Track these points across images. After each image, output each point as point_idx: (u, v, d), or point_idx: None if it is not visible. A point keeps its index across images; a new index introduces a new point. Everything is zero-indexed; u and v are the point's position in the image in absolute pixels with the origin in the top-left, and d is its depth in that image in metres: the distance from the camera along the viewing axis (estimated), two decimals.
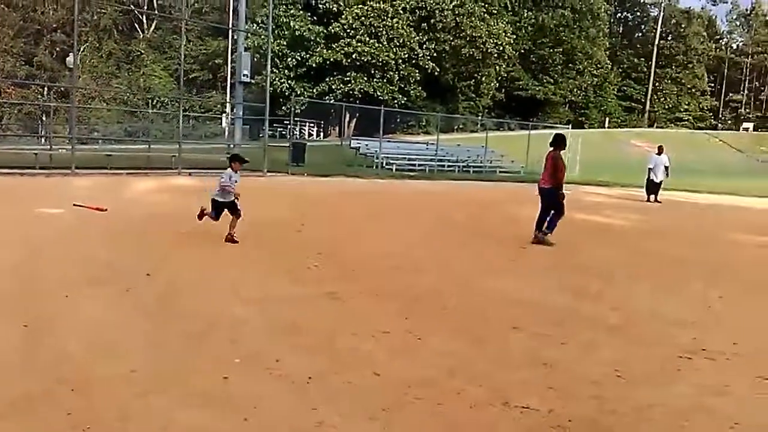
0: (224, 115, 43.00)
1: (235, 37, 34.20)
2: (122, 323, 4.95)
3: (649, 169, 20.84)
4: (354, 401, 3.64)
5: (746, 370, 4.62)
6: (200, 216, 8.59)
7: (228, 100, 41.87)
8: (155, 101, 51.05)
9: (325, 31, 45.41)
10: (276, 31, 42.05)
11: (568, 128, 39.95)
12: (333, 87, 45.72)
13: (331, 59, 44.96)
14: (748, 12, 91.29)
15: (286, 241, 9.14)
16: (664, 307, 6.48)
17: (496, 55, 51.48)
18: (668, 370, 4.55)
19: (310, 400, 3.60)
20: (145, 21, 65.12)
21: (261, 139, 25.78)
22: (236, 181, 8.44)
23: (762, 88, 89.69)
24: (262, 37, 37.90)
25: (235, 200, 8.37)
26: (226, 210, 8.44)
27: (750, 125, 75.72)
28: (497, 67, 54.82)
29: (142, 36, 64.72)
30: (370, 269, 7.56)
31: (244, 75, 24.34)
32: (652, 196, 20.45)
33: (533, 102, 64.98)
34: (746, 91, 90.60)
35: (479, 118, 53.50)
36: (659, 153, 20.98)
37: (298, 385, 3.83)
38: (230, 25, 41.84)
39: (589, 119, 70.68)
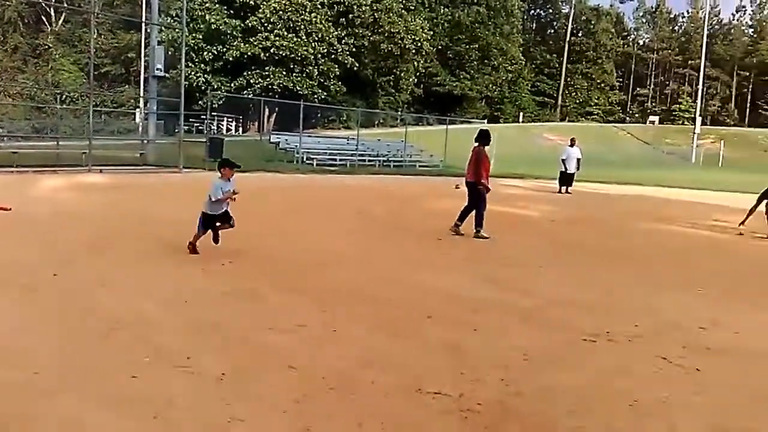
0: (138, 110, 41.68)
1: (149, 31, 33.14)
2: (26, 325, 4.77)
3: (562, 160, 21.58)
4: (267, 395, 3.64)
5: (646, 350, 4.89)
6: (193, 249, 7.55)
7: (141, 94, 40.60)
8: (64, 96, 48.92)
9: (242, 24, 44.68)
10: (191, 25, 41.08)
11: (484, 123, 40.82)
12: (251, 81, 45.09)
13: (249, 53, 44.30)
14: (653, 9, 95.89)
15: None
16: (571, 293, 6.76)
17: (414, 51, 52.03)
18: (573, 352, 4.77)
19: (222, 396, 3.58)
20: (53, 13, 62.27)
21: (176, 135, 25.14)
22: (230, 190, 7.40)
23: (667, 83, 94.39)
24: (177, 30, 36.90)
25: (227, 209, 7.54)
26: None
27: (656, 118, 79.52)
28: (415, 63, 55.40)
29: (49, 29, 61.86)
30: (288, 264, 7.53)
31: (157, 69, 23.67)
32: (564, 188, 21.17)
33: (451, 97, 66.12)
34: (652, 86, 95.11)
35: (399, 113, 54.03)
36: (571, 145, 21.76)
37: (211, 382, 3.79)
38: (143, 18, 40.55)
39: (504, 114, 72.51)
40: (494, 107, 72.32)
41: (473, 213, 10.42)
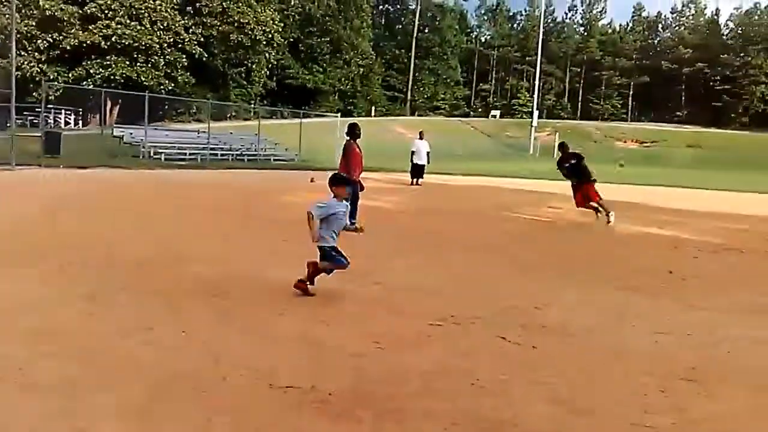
0: None
1: None
2: None
3: (412, 152, 22.26)
4: (111, 402, 3.48)
5: (487, 331, 5.19)
6: (304, 288, 6.06)
7: None
8: None
9: (80, 11, 41.87)
10: (23, 10, 37.95)
11: (338, 117, 41.12)
12: (91, 71, 42.45)
13: (89, 42, 41.66)
14: (494, 7, 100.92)
15: (36, 241, 8.35)
16: (420, 280, 7.03)
17: (265, 43, 51.38)
18: (421, 337, 4.97)
19: (60, 405, 3.38)
20: None
21: (8, 129, 23.12)
22: (344, 212, 6.35)
23: (507, 79, 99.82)
24: (6, 16, 33.86)
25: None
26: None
27: (497, 113, 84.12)
28: (267, 55, 54.73)
29: None
30: (134, 265, 7.19)
31: None
32: (415, 180, 21.86)
33: (305, 91, 66.04)
34: (493, 82, 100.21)
35: (252, 105, 53.10)
36: (420, 138, 22.51)
37: (47, 392, 3.57)
38: None
39: (357, 108, 73.48)
40: (347, 101, 73.06)
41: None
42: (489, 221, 13.42)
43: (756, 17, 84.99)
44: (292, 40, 64.35)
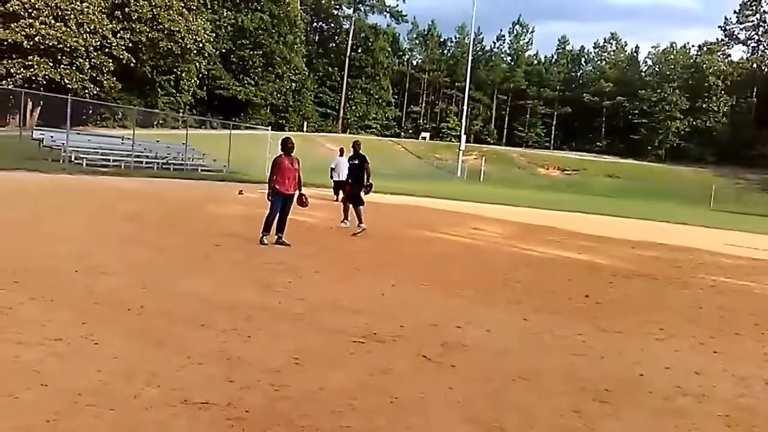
0: None
1: None
2: None
3: (331, 169, 21.99)
4: (13, 417, 3.30)
5: (408, 349, 5.21)
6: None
7: None
8: None
9: (2, 8, 40.04)
10: None
11: (268, 130, 40.79)
12: (12, 71, 40.61)
13: (9, 40, 39.84)
14: (426, 32, 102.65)
15: None
16: (344, 297, 7.01)
17: (195, 52, 50.54)
18: (342, 354, 4.94)
19: None
20: None
21: None
22: None
23: (437, 102, 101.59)
24: None
25: None
26: None
27: (427, 134, 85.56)
28: (197, 64, 53.82)
29: None
30: (45, 273, 6.87)
31: None
32: (341, 195, 21.74)
33: (235, 102, 65.27)
34: (424, 104, 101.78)
35: (180, 114, 52.02)
36: (341, 155, 21.90)
37: None
38: None
39: (289, 122, 73.08)
40: (279, 115, 72.54)
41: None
42: (414, 240, 13.54)
43: (672, 56, 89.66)
44: (224, 51, 63.53)
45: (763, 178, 60.32)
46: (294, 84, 72.97)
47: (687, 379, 5.06)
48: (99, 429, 3.26)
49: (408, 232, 14.78)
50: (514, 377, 4.76)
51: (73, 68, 42.63)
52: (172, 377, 4.08)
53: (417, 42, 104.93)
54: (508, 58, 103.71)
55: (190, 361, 4.44)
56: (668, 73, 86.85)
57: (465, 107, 72.08)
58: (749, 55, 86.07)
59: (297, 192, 10.72)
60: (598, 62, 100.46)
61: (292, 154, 10.70)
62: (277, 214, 10.33)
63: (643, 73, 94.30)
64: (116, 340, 4.76)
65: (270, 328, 5.48)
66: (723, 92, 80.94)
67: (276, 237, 10.28)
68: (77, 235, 9.87)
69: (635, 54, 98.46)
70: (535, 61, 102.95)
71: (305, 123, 74.20)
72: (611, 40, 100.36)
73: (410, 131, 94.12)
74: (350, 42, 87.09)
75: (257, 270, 8.25)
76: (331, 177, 21.94)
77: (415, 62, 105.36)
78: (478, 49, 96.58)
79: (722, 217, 33.34)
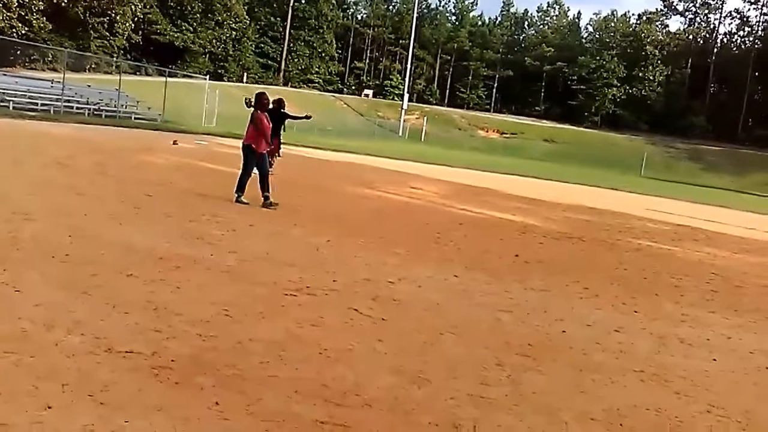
0: None
1: None
2: None
3: None
4: None
5: (340, 303, 5.25)
6: None
7: None
8: None
9: None
10: None
11: (206, 79, 39.69)
12: None
13: None
14: None
15: None
16: (279, 251, 6.97)
17: None
18: (273, 306, 4.94)
19: None
20: None
21: None
22: None
23: (381, 59, 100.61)
24: None
25: None
26: None
27: (370, 92, 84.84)
28: (133, 7, 51.59)
29: None
30: None
31: None
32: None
33: (172, 49, 63.07)
34: (368, 61, 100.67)
35: (114, 59, 49.98)
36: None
37: None
38: None
39: (228, 72, 71.22)
40: (218, 64, 70.56)
41: (260, 177, 10.01)
42: (352, 198, 13.55)
43: (612, 24, 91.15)
44: None
45: (692, 148, 62.66)
46: (234, 32, 70.95)
47: (607, 337, 5.28)
48: (18, 376, 3.17)
49: (347, 189, 14.77)
50: (442, 331, 4.86)
51: (0, 6, 40.25)
52: (96, 326, 4.00)
53: None
54: (453, 17, 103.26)
55: (116, 311, 4.35)
56: (608, 40, 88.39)
57: (408, 65, 71.73)
58: (686, 26, 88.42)
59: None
60: (541, 27, 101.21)
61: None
62: (253, 174, 10.05)
63: (583, 40, 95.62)
64: (39, 288, 4.62)
65: (200, 279, 5.41)
66: (659, 62, 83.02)
67: (263, 198, 9.97)
68: (0, 180, 9.46)
69: (577, 20, 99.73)
70: (480, 23, 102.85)
71: (245, 74, 72.48)
72: (554, 5, 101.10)
73: (353, 87, 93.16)
74: None
75: (190, 221, 8.09)
76: None
77: (359, 17, 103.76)
78: (423, 6, 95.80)
79: (652, 184, 34.57)
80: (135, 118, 31.48)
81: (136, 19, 55.14)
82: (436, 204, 13.93)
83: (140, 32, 59.78)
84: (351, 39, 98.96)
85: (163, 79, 36.17)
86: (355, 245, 7.98)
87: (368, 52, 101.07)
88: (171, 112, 33.41)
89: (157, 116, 32.89)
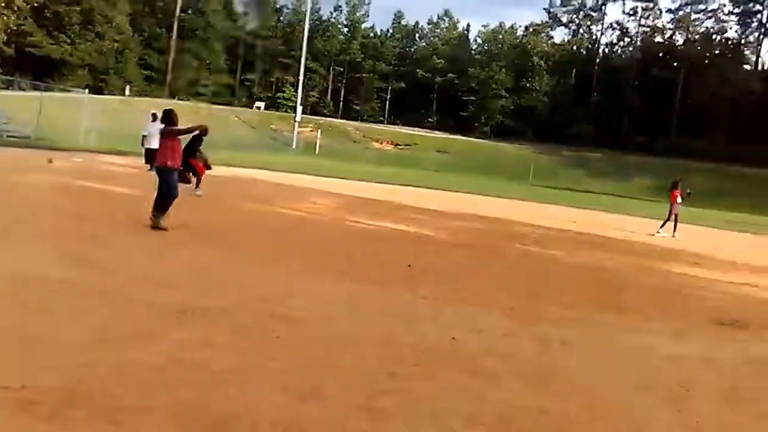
0: None
1: None
2: None
3: (143, 136, 20.03)
4: None
5: (232, 322, 5.09)
6: None
7: None
8: None
9: None
10: None
11: (85, 93, 37.87)
12: None
13: None
14: None
15: None
16: (161, 271, 6.69)
17: (3, 5, 45.53)
18: (155, 329, 4.70)
19: None
20: None
21: None
22: None
23: (272, 71, 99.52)
24: None
25: None
26: None
27: (262, 104, 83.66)
28: (5, 18, 48.55)
29: None
30: None
31: None
32: (150, 165, 20.33)
33: (48, 62, 59.71)
34: (259, 72, 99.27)
35: None
36: (153, 120, 19.46)
37: None
38: None
39: (109, 85, 68.13)
40: (99, 77, 67.42)
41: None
42: (246, 213, 13.26)
43: (500, 36, 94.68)
44: (36, 5, 57.75)
45: (577, 155, 65.79)
46: (116, 44, 68.14)
47: (496, 342, 5.41)
48: None
49: (240, 205, 14.45)
50: (335, 345, 4.81)
51: None
52: None
53: (251, 6, 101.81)
54: (345, 29, 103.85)
55: None
56: (496, 52, 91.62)
57: (301, 77, 71.36)
58: (570, 37, 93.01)
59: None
60: (432, 39, 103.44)
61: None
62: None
63: (473, 52, 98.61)
64: None
65: (77, 304, 5.09)
66: (545, 72, 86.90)
67: (153, 216, 9.30)
68: None
69: (466, 32, 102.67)
70: (372, 34, 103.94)
71: (127, 87, 69.66)
72: (444, 17, 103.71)
73: (244, 100, 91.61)
74: (180, 1, 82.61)
75: (67, 243, 7.63)
76: (143, 144, 20.08)
77: (249, 27, 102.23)
78: (315, 18, 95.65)
79: (540, 191, 36.04)
80: (7, 136, 29.47)
81: (8, 30, 51.96)
82: (331, 218, 13.88)
83: (13, 45, 56.33)
84: (241, 50, 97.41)
85: (38, 93, 34.18)
86: (248, 262, 7.79)
87: (259, 63, 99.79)
88: (46, 129, 31.51)
89: (29, 133, 30.94)
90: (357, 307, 6.12)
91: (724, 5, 77.75)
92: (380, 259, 9.23)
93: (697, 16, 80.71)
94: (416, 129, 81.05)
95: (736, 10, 77.46)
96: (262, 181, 22.19)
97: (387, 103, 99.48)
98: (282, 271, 7.44)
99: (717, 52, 77.76)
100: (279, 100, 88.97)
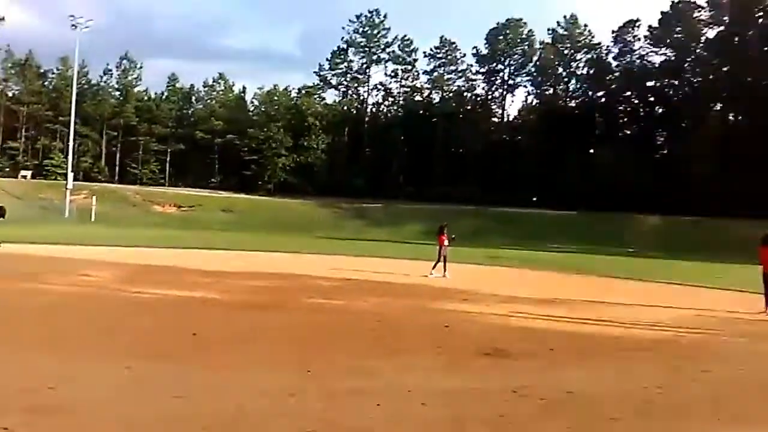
0: None
1: None
2: None
3: None
4: None
5: None
6: None
7: None
8: None
9: None
10: None
11: None
12: None
13: None
14: (23, 62, 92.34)
15: None
16: None
17: None
18: None
19: None
20: None
21: None
22: None
23: (38, 137, 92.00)
24: None
25: None
26: None
27: (29, 173, 76.95)
28: None
29: None
30: None
31: None
32: None
33: None
34: (23, 140, 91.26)
35: None
36: None
37: None
38: None
39: None
40: None
41: None
42: (10, 293, 12.03)
43: (276, 97, 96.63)
44: None
45: (354, 207, 68.89)
46: None
47: (282, 402, 5.55)
48: None
49: (3, 286, 13.12)
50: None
51: None
52: None
53: (13, 72, 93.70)
54: (117, 93, 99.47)
55: None
56: (273, 113, 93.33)
57: (71, 143, 66.89)
58: (341, 98, 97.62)
59: None
60: (209, 101, 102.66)
61: None
62: None
63: (251, 113, 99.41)
64: None
65: None
66: (321, 131, 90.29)
67: None
68: None
69: (243, 94, 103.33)
70: (146, 97, 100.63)
71: None
72: (219, 80, 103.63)
73: (8, 169, 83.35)
74: None
75: None
76: None
77: (11, 93, 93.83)
78: (83, 82, 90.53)
79: (325, 243, 36.92)
80: None
81: None
82: (109, 290, 13.14)
83: None
84: (2, 118, 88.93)
85: None
86: (8, 350, 7.16)
87: (23, 130, 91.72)
88: None
89: None
90: (137, 387, 5.89)
91: (472, 66, 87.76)
92: (164, 330, 8.96)
93: (449, 76, 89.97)
94: (200, 190, 79.55)
95: (482, 70, 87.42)
96: (33, 257, 20.33)
97: (167, 165, 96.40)
98: (52, 355, 6.92)
99: (469, 107, 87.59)
100: (48, 168, 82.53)
